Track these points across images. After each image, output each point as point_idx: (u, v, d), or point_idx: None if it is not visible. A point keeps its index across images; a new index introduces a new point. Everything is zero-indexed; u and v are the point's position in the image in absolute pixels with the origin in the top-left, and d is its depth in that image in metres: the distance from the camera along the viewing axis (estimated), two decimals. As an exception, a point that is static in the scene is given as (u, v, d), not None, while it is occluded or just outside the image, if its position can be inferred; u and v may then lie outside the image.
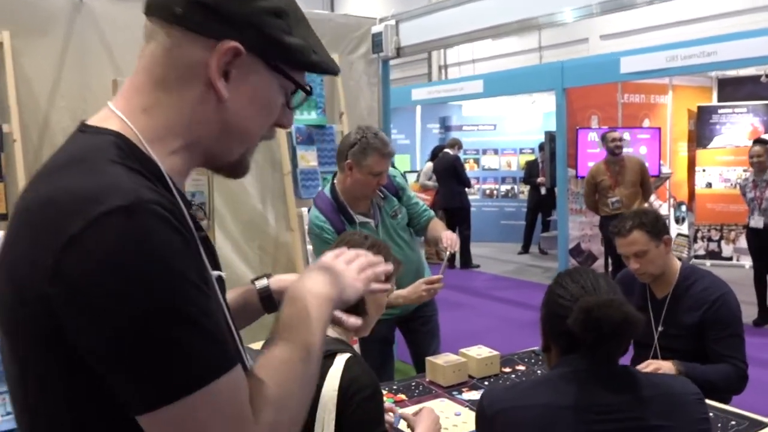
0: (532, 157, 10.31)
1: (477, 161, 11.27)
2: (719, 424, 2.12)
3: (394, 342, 3.25)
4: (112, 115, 0.86)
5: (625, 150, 6.67)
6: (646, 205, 6.47)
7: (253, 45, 0.85)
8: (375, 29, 4.43)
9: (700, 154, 8.69)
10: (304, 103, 0.97)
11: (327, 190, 2.97)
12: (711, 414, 1.77)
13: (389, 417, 1.91)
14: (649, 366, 2.39)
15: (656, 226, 2.58)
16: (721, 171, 8.47)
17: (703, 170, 8.58)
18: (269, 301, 1.22)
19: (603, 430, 1.44)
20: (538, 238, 10.02)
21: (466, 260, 9.03)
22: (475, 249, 9.24)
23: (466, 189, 9.01)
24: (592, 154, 7.67)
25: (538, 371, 2.66)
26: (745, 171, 7.55)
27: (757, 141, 6.32)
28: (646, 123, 8.61)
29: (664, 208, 8.21)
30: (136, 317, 0.71)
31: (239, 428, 0.78)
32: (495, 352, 2.70)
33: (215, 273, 0.87)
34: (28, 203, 0.80)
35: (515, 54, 11.98)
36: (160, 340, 0.72)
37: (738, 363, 2.49)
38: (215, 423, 0.76)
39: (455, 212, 8.77)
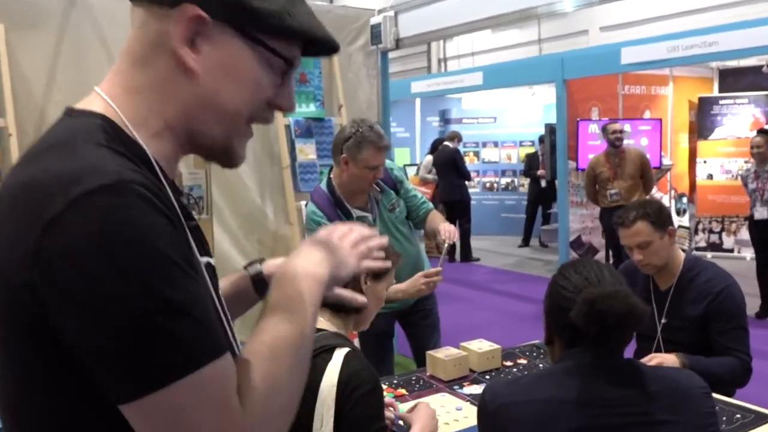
0: (532, 150, 10.26)
1: (477, 154, 11.24)
2: (724, 417, 2.10)
3: (393, 336, 3.23)
4: (96, 97, 0.85)
5: (626, 142, 6.63)
6: (647, 197, 6.44)
7: (217, 11, 0.82)
8: (374, 20, 4.41)
9: (701, 145, 8.65)
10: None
11: (323, 185, 2.94)
12: (717, 407, 1.75)
13: (389, 413, 1.89)
14: (652, 359, 2.35)
15: (660, 217, 2.54)
16: (722, 162, 8.44)
17: (704, 162, 8.55)
18: (263, 286, 1.19)
19: (607, 424, 1.41)
20: (539, 230, 10.00)
21: (467, 253, 9.01)
22: (475, 242, 9.22)
23: (466, 182, 8.97)
24: (592, 146, 7.63)
25: (540, 365, 2.64)
26: (746, 162, 7.53)
27: (760, 132, 6.30)
28: (647, 114, 8.57)
29: (665, 200, 8.18)
30: (117, 301, 0.68)
31: (226, 418, 0.74)
32: (496, 346, 2.67)
33: (204, 259, 0.84)
34: (10, 187, 0.77)
35: (515, 46, 11.92)
36: (142, 325, 0.69)
37: (742, 356, 2.47)
38: (201, 413, 0.72)
39: (455, 205, 8.73)
